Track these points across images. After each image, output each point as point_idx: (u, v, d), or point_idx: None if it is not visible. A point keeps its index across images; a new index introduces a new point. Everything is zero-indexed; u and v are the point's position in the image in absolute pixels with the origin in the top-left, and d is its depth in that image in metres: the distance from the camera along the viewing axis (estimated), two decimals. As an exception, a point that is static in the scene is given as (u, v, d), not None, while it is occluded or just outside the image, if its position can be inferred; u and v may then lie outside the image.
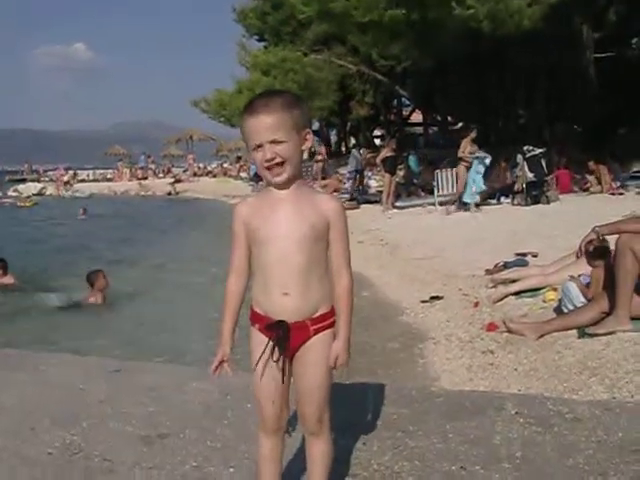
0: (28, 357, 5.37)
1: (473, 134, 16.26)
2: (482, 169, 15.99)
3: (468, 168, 16.08)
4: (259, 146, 2.38)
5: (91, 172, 58.43)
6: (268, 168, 2.39)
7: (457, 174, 16.64)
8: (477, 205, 15.85)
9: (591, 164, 17.28)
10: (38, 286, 11.36)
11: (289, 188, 2.45)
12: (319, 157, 30.52)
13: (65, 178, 49.28)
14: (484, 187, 16.06)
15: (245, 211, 2.52)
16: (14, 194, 39.36)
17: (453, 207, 16.12)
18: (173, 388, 4.30)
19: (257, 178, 32.36)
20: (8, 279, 11.18)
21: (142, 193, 41.89)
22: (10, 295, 10.85)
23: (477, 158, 16.01)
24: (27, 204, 34.67)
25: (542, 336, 5.81)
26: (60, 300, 10.07)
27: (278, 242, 2.42)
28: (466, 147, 16.12)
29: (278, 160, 2.37)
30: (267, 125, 2.35)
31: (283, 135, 2.36)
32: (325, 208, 2.45)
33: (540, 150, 16.23)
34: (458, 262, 9.78)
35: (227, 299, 2.59)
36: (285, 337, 2.45)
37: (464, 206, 15.92)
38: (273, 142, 2.36)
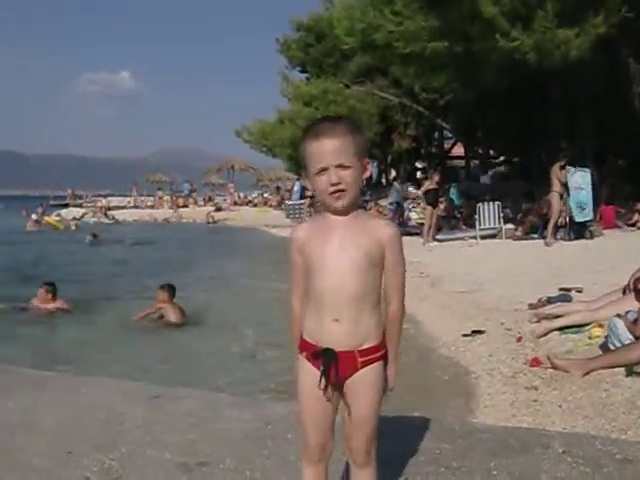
0: (69, 380, 5.39)
1: (562, 161, 15.83)
2: (582, 181, 15.65)
3: (561, 196, 15.67)
4: (324, 169, 2.34)
5: (132, 199, 59.17)
6: (332, 193, 2.35)
7: (550, 203, 15.86)
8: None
9: None
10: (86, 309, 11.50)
11: (347, 215, 2.41)
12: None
13: (100, 205, 50.34)
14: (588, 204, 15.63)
15: (301, 236, 2.49)
16: (57, 218, 40.05)
17: (552, 238, 15.25)
18: (212, 416, 4.25)
19: (295, 210, 32.37)
20: (59, 303, 11.21)
21: (183, 220, 42.32)
22: (60, 318, 10.92)
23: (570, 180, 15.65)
24: (57, 225, 36.26)
25: (587, 373, 5.66)
26: None
27: (332, 269, 2.38)
28: (556, 174, 15.62)
29: (342, 186, 2.33)
30: (333, 148, 2.31)
31: (348, 160, 2.33)
32: (381, 234, 2.41)
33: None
34: (500, 296, 9.63)
35: (294, 322, 2.58)
36: (331, 365, 2.40)
37: (576, 230, 15.52)
38: (339, 166, 2.32)
